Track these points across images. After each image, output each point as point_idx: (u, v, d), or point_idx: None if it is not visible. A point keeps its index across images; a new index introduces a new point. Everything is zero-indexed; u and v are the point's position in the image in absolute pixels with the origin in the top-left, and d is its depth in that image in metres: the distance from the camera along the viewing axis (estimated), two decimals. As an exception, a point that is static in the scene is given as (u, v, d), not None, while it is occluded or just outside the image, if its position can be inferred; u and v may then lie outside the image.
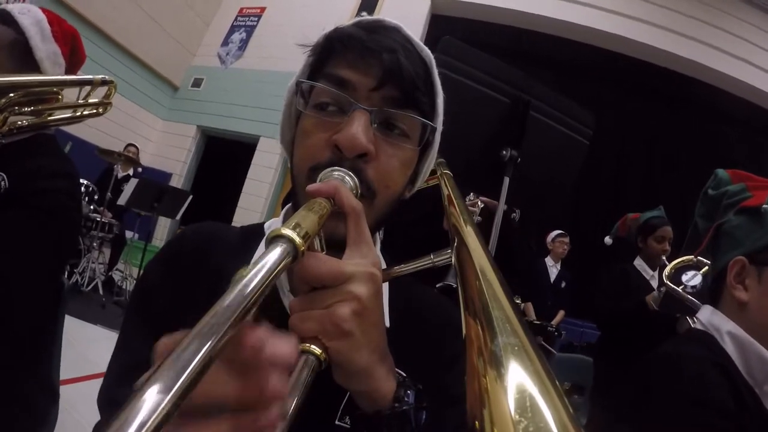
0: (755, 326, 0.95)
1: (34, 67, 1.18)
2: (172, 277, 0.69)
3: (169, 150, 8.30)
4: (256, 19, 8.44)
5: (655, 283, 2.81)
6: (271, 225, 0.76)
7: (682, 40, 6.76)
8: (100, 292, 4.72)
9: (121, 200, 4.68)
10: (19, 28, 1.15)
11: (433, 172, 0.79)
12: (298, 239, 0.37)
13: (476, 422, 0.23)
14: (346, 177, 0.55)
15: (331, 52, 0.63)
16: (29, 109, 1.16)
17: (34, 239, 1.08)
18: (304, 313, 0.42)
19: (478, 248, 0.44)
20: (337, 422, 0.54)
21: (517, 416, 0.21)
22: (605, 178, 6.39)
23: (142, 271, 0.74)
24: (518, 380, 0.24)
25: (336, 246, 0.49)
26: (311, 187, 0.48)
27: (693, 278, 1.88)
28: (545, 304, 4.75)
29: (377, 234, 0.72)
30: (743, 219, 1.04)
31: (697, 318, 1.08)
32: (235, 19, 8.61)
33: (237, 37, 8.46)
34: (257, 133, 7.78)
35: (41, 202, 1.09)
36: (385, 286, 0.68)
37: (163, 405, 0.21)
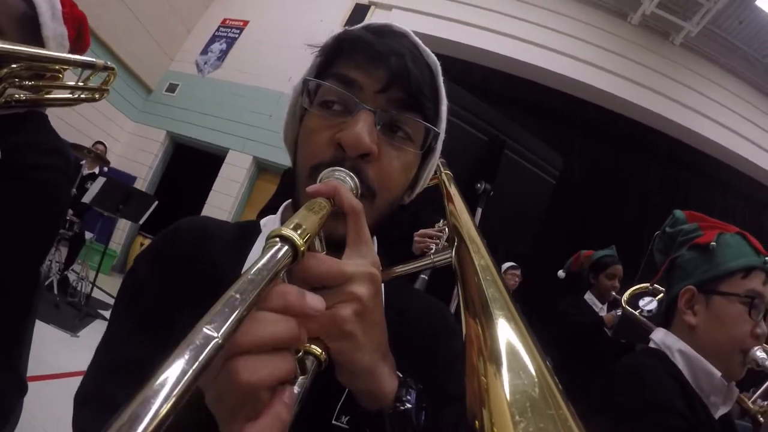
0: (703, 346, 1.08)
1: (40, 44, 1.15)
2: (164, 271, 0.67)
3: (136, 153, 8.12)
4: (238, 31, 8.46)
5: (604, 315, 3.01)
6: (268, 222, 0.76)
7: (645, 92, 7.19)
8: (55, 291, 4.54)
9: (86, 198, 4.52)
10: (32, 3, 1.12)
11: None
12: (298, 240, 0.37)
13: (476, 421, 0.24)
14: (347, 177, 0.55)
15: (340, 54, 0.63)
16: (29, 84, 1.13)
17: (24, 213, 1.05)
18: None
19: (479, 247, 0.46)
20: (333, 422, 0.53)
21: (516, 416, 0.22)
22: (567, 215, 6.61)
23: (131, 264, 0.71)
24: (518, 380, 0.24)
25: (335, 246, 0.49)
26: (311, 188, 0.48)
27: (649, 303, 2.04)
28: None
29: (376, 235, 0.72)
30: (694, 254, 1.18)
31: (651, 338, 1.20)
32: (217, 29, 8.60)
33: (217, 47, 8.44)
34: (227, 145, 7.74)
35: (34, 176, 1.06)
36: (381, 287, 0.70)
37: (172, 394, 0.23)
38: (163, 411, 0.22)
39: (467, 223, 0.54)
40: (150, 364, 0.24)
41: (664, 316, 1.23)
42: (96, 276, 4.96)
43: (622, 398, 1.03)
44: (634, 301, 2.25)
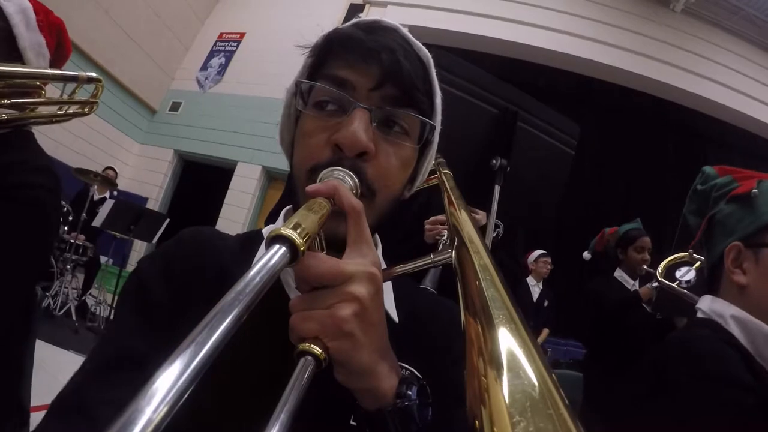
0: (758, 307, 0.96)
1: (17, 57, 1.12)
2: (168, 277, 0.66)
3: (146, 174, 8.19)
4: (235, 44, 8.50)
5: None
6: (270, 229, 0.75)
7: (650, 62, 7.09)
8: (73, 317, 4.57)
9: (97, 222, 4.57)
10: (4, 16, 1.09)
11: (432, 172, 0.79)
12: (298, 239, 0.37)
13: (476, 421, 0.23)
14: (346, 177, 0.55)
15: (330, 53, 0.63)
16: (9, 102, 1.11)
17: (13, 233, 1.02)
18: (305, 313, 0.43)
19: (479, 248, 0.44)
20: (352, 422, 0.53)
21: (516, 416, 0.21)
22: (585, 197, 6.55)
23: (134, 269, 0.70)
24: (518, 380, 0.24)
25: (336, 245, 0.50)
26: (310, 187, 0.48)
27: (687, 273, 1.92)
28: (528, 324, 4.74)
29: (377, 234, 0.72)
30: (734, 207, 1.07)
31: (698, 308, 1.09)
32: (215, 44, 8.65)
33: (216, 61, 8.48)
34: (235, 158, 7.78)
35: (21, 195, 1.03)
36: (389, 285, 0.69)
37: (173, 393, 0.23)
38: (156, 419, 0.21)
39: (467, 223, 0.53)
40: (152, 362, 0.25)
41: (709, 282, 1.11)
42: (113, 299, 4.97)
43: (678, 376, 0.91)
44: (670, 273, 2.13)
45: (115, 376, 0.56)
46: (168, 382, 0.23)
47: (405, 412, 0.45)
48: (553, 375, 0.25)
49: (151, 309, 0.62)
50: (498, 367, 0.25)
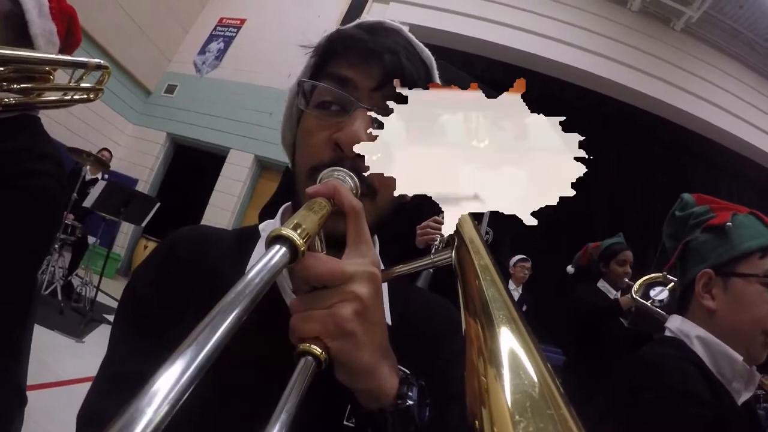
0: (723, 330, 1.04)
1: (28, 42, 1.12)
2: (164, 282, 0.66)
3: (137, 155, 8.13)
4: (235, 30, 8.44)
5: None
6: (266, 227, 0.75)
7: (647, 78, 7.15)
8: (59, 297, 4.50)
9: (88, 202, 4.52)
10: (17, 1, 1.08)
11: None
12: (298, 239, 0.37)
13: (476, 421, 0.23)
14: (347, 177, 0.55)
15: (333, 53, 0.63)
16: (18, 87, 1.10)
17: (18, 221, 1.02)
18: (306, 313, 0.42)
19: (479, 248, 0.45)
20: (345, 422, 0.53)
21: (516, 416, 0.22)
22: (572, 205, 6.60)
23: (130, 277, 0.71)
24: (518, 380, 0.24)
25: (336, 244, 0.49)
26: (310, 189, 0.48)
27: (660, 293, 2.00)
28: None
29: (377, 235, 0.72)
30: (709, 236, 1.14)
31: (667, 326, 1.17)
32: (215, 29, 8.59)
33: (215, 46, 8.42)
34: (228, 145, 7.74)
35: (26, 182, 1.03)
36: (385, 286, 0.67)
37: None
38: (157, 419, 0.21)
39: (467, 222, 0.53)
40: (149, 374, 0.24)
41: (679, 303, 1.19)
42: (100, 280, 4.95)
43: (644, 389, 0.99)
44: (645, 291, 2.22)
45: (121, 391, 0.57)
46: (168, 382, 0.23)
47: (406, 413, 0.45)
48: (554, 373, 0.25)
49: (146, 323, 0.63)
50: (498, 366, 0.26)
